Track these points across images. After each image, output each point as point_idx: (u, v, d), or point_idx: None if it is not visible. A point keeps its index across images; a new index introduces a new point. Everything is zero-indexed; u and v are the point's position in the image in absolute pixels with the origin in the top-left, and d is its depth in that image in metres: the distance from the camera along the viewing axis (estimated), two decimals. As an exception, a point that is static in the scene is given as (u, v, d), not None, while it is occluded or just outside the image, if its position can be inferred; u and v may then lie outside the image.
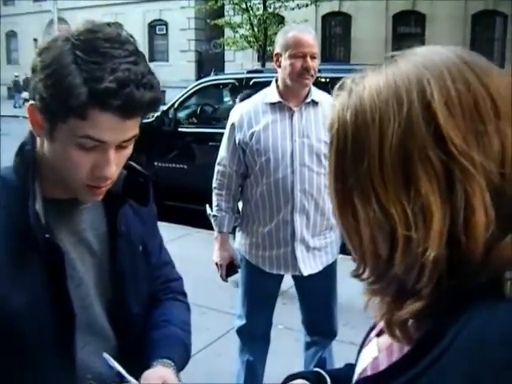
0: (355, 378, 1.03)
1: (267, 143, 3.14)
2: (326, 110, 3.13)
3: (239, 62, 26.04)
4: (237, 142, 3.23)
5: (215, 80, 9.75)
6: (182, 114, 9.45)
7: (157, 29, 34.39)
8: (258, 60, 21.63)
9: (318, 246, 3.28)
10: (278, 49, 3.18)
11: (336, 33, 29.14)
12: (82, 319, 1.41)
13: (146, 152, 8.35)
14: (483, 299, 0.74)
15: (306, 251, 3.26)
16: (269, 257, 3.31)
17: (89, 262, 1.47)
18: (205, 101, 10.22)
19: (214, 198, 3.44)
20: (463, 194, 0.74)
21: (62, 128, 1.23)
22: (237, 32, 20.55)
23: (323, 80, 7.03)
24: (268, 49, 18.78)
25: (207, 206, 3.57)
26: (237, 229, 3.50)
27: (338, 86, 0.89)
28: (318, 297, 3.44)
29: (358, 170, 0.81)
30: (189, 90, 9.42)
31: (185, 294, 1.78)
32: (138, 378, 1.37)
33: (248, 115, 3.22)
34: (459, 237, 0.75)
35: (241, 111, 3.27)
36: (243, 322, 3.54)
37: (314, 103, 3.18)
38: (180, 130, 9.13)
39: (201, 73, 28.00)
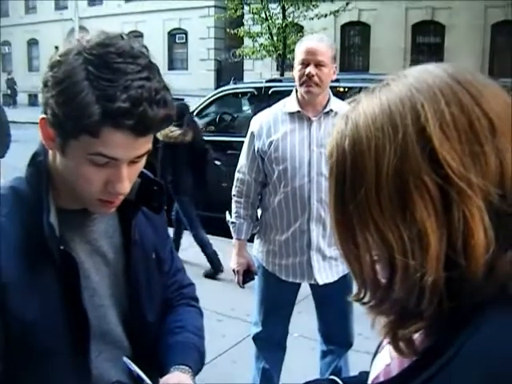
0: (368, 384, 1.04)
1: (285, 152, 3.17)
2: None
3: (258, 71, 26.07)
4: (256, 150, 3.28)
5: (234, 89, 9.76)
6: (200, 123, 9.48)
7: (176, 37, 34.48)
8: (277, 69, 21.66)
9: (334, 255, 3.26)
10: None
11: (355, 42, 29.07)
12: (96, 328, 1.42)
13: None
14: (491, 309, 0.75)
15: (323, 260, 3.27)
16: (285, 265, 3.33)
17: (103, 271, 1.47)
18: (224, 109, 10.23)
19: (233, 205, 3.49)
20: (461, 216, 0.74)
21: (73, 144, 1.22)
22: (256, 41, 20.58)
23: (341, 89, 7.04)
24: (287, 58, 18.80)
25: (227, 212, 3.59)
26: (255, 236, 3.53)
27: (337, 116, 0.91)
28: (334, 306, 3.44)
29: (356, 197, 0.81)
30: (208, 99, 9.45)
31: (197, 299, 1.79)
32: (154, 383, 1.39)
33: (267, 124, 3.25)
34: (458, 259, 0.76)
35: (260, 120, 3.31)
36: (259, 329, 3.57)
37: (333, 113, 3.18)
38: (199, 138, 9.15)
39: (220, 81, 28.05)
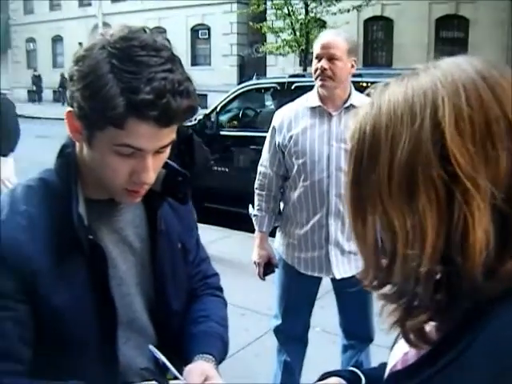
0: (387, 372, 1.06)
1: (305, 146, 3.20)
2: None
3: (281, 66, 26.00)
4: (277, 144, 3.31)
5: (257, 84, 9.77)
6: (223, 118, 9.49)
7: (199, 33, 34.47)
8: (300, 64, 21.57)
9: (353, 249, 3.23)
10: None
11: (378, 37, 28.87)
12: (123, 316, 1.46)
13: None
14: (500, 306, 0.76)
15: (341, 255, 3.28)
16: (304, 258, 3.36)
17: (130, 260, 1.50)
18: (246, 105, 10.23)
19: (256, 198, 3.53)
20: (462, 215, 0.75)
21: (99, 136, 1.26)
22: (279, 36, 20.56)
23: (364, 85, 7.02)
24: (310, 53, 18.76)
25: (250, 205, 3.64)
26: (277, 229, 3.57)
27: (365, 93, 0.92)
28: (353, 301, 3.44)
29: (369, 180, 0.83)
30: (231, 94, 9.46)
31: (221, 289, 1.81)
32: (180, 371, 1.41)
33: (288, 119, 3.28)
34: (454, 256, 0.77)
35: (282, 115, 3.34)
36: (279, 321, 3.59)
37: (354, 108, 3.09)
38: (222, 133, 9.17)
39: (243, 77, 28.00)
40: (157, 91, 1.18)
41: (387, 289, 0.89)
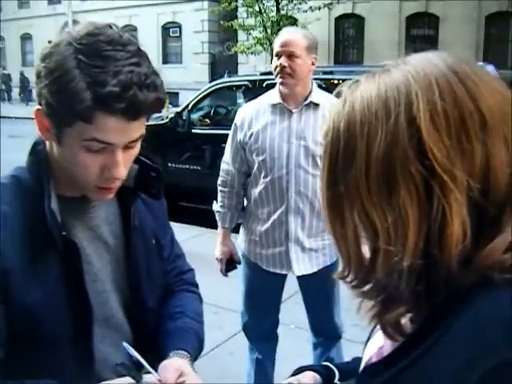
0: (362, 366, 1.06)
1: (265, 143, 3.21)
2: (327, 112, 3.12)
3: (252, 64, 26.00)
4: (238, 141, 3.32)
5: (229, 82, 9.77)
6: (195, 116, 9.47)
7: (170, 31, 34.39)
8: (271, 62, 21.61)
9: (314, 247, 3.30)
10: None
11: (349, 35, 29.03)
12: (98, 313, 1.45)
13: (159, 153, 8.40)
14: (475, 296, 0.76)
15: (301, 252, 3.30)
16: (265, 255, 3.37)
17: (105, 257, 1.50)
18: (218, 103, 10.23)
19: (219, 195, 3.55)
20: (440, 208, 0.76)
21: (68, 132, 1.26)
22: (250, 34, 20.58)
23: (336, 82, 7.05)
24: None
25: (214, 202, 3.65)
26: (241, 226, 3.59)
27: (334, 93, 0.92)
28: (317, 298, 3.49)
29: (346, 178, 0.83)
30: (202, 92, 9.46)
31: (197, 285, 1.82)
32: (155, 368, 1.40)
33: (250, 116, 3.30)
34: (432, 249, 0.78)
35: (244, 112, 3.37)
36: (245, 318, 3.63)
37: (315, 105, 3.21)
38: (193, 131, 9.16)
39: (214, 75, 28.01)
40: (123, 84, 1.19)
41: (366, 287, 0.89)
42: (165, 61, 32.99)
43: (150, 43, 34.53)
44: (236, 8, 21.75)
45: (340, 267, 0.93)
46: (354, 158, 0.82)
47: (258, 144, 3.22)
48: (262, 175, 3.25)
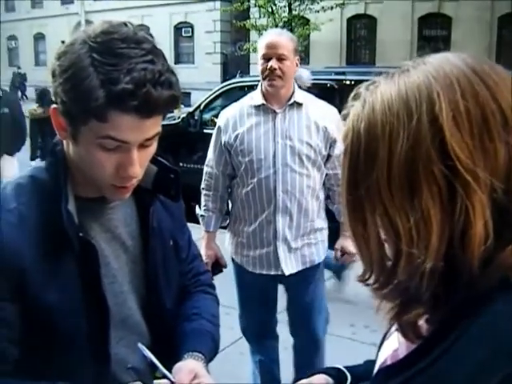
0: (376, 369, 1.06)
1: (250, 144, 3.21)
2: (310, 111, 3.24)
3: (264, 64, 25.99)
4: (223, 143, 3.31)
5: (240, 82, 9.75)
6: (207, 116, 9.46)
7: (183, 31, 34.43)
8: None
9: (300, 246, 3.32)
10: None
11: (361, 35, 28.98)
12: (116, 315, 1.45)
13: (171, 153, 8.41)
14: (493, 298, 0.76)
15: (288, 251, 3.30)
16: (253, 256, 3.36)
17: (123, 258, 1.50)
18: (230, 103, 10.14)
19: (202, 199, 3.54)
20: (463, 208, 0.75)
21: (83, 131, 1.25)
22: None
23: (348, 83, 7.03)
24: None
25: (197, 206, 3.67)
26: (227, 229, 3.57)
27: (352, 95, 0.91)
28: (299, 298, 3.48)
29: (367, 180, 0.82)
30: (214, 92, 9.46)
31: (213, 286, 1.82)
32: (169, 370, 1.40)
33: (233, 118, 3.30)
34: (456, 250, 0.77)
35: (227, 114, 3.37)
36: (242, 319, 3.65)
37: (298, 105, 3.23)
38: (205, 131, 9.13)
39: (226, 75, 28.02)
40: (136, 81, 1.18)
41: (387, 289, 0.89)
42: (177, 61, 33.00)
43: (162, 43, 34.27)
44: (248, 8, 21.75)
45: (361, 270, 0.92)
46: (376, 160, 0.81)
47: (243, 145, 3.22)
48: (249, 176, 3.24)
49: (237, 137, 3.24)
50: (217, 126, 3.39)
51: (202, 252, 3.45)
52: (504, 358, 0.70)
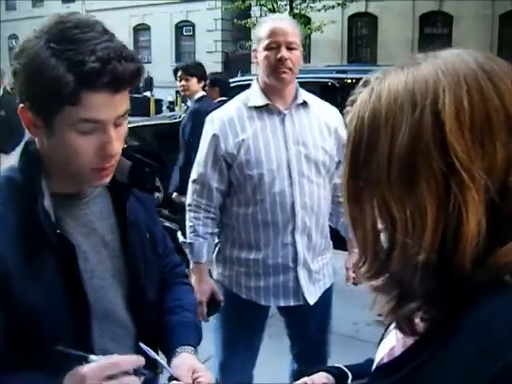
0: (373, 367, 1.06)
1: (259, 154, 2.62)
2: (318, 111, 2.77)
3: (265, 62, 26.02)
4: (220, 154, 2.67)
5: (242, 81, 9.75)
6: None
7: (184, 30, 34.47)
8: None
9: (317, 268, 2.79)
10: (254, 45, 2.77)
11: (362, 34, 29.02)
12: (98, 309, 1.45)
13: (173, 151, 8.42)
14: (486, 295, 0.76)
15: (309, 277, 2.76)
16: (264, 287, 2.75)
17: (102, 252, 1.50)
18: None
19: (190, 223, 2.82)
20: (456, 205, 0.76)
21: (57, 120, 1.26)
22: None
23: (349, 81, 7.02)
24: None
25: (179, 233, 3.16)
26: (214, 258, 2.92)
27: (362, 82, 0.91)
28: (312, 325, 2.92)
29: (368, 168, 0.83)
30: (215, 91, 9.45)
31: (187, 276, 1.88)
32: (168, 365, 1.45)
33: (232, 122, 2.68)
34: (447, 245, 0.77)
35: (221, 120, 2.71)
36: (228, 369, 2.95)
37: (305, 105, 2.73)
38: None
39: (227, 74, 28.03)
40: (102, 59, 1.21)
41: (381, 280, 0.89)
42: (178, 59, 32.97)
43: (163, 42, 34.64)
44: (249, 6, 21.75)
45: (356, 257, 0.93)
46: (377, 148, 0.82)
47: (249, 155, 2.62)
48: (258, 192, 2.64)
49: (239, 145, 2.63)
50: (210, 133, 2.71)
51: (196, 289, 2.62)
52: (495, 355, 0.70)
